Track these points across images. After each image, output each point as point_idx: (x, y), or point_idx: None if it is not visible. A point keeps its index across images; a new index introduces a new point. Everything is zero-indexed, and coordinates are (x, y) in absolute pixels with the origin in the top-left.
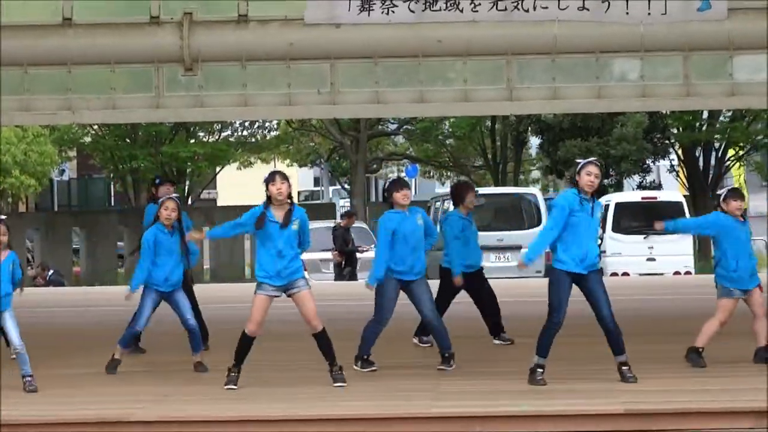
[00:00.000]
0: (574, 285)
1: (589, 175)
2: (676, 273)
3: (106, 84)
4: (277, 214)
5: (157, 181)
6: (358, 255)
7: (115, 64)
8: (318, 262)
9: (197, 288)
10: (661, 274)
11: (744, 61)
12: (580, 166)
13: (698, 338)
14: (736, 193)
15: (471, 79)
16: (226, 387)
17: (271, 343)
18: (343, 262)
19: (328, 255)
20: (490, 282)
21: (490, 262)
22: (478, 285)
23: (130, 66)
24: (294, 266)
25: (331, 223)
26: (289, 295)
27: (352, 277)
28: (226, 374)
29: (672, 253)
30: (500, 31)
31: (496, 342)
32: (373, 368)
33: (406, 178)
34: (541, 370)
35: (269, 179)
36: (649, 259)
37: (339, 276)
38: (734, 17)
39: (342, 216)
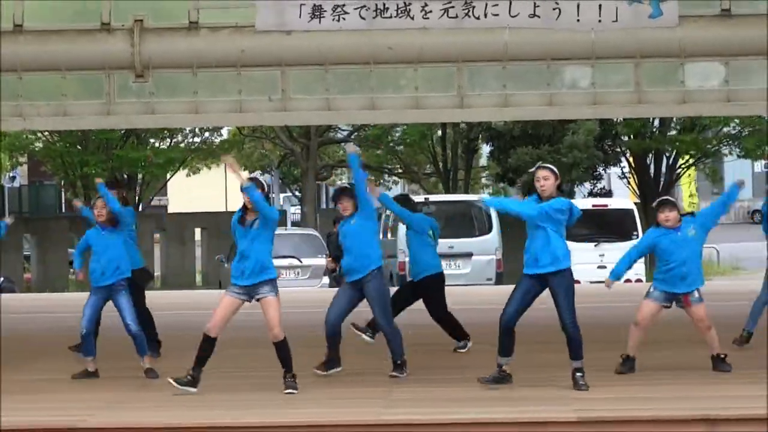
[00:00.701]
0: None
1: (537, 180)
2: (627, 281)
3: (57, 90)
4: (248, 218)
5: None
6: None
7: (66, 70)
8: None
9: (148, 294)
10: None
11: (695, 68)
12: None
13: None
14: (662, 204)
15: (422, 86)
16: (177, 385)
17: (227, 351)
18: (338, 269)
19: (286, 262)
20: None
21: None
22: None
23: (81, 73)
24: (258, 266)
25: (283, 231)
26: (257, 300)
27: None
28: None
29: None
30: (451, 38)
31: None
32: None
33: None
34: (497, 368)
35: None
36: (599, 267)
37: (334, 282)
38: (685, 24)
39: (334, 222)
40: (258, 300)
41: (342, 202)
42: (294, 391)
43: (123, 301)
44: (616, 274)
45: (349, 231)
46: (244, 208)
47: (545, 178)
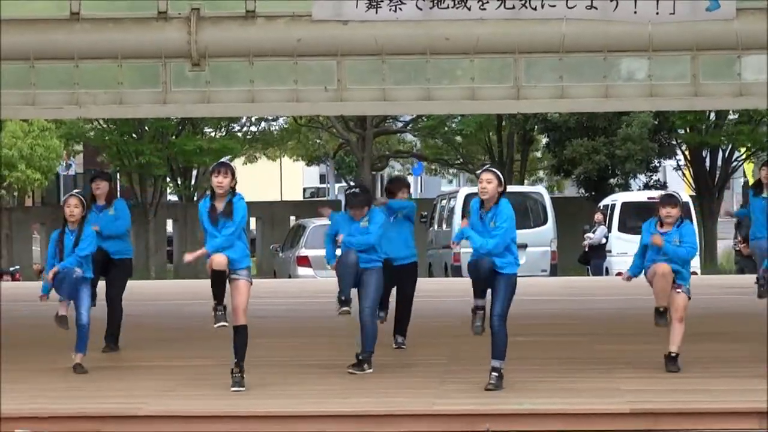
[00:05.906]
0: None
1: (480, 182)
2: None
3: (113, 79)
4: (218, 205)
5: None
6: None
7: (122, 59)
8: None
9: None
10: None
11: (752, 61)
12: None
13: None
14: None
15: (478, 77)
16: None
17: (269, 340)
18: None
19: None
20: None
21: None
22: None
23: (137, 61)
24: (232, 256)
25: None
26: (229, 281)
27: None
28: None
29: None
30: (508, 30)
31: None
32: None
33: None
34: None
35: (213, 170)
36: None
37: None
38: (743, 17)
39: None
40: (230, 281)
41: (354, 211)
42: (242, 389)
43: (83, 293)
44: None
45: (357, 230)
46: (213, 192)
47: (488, 182)
